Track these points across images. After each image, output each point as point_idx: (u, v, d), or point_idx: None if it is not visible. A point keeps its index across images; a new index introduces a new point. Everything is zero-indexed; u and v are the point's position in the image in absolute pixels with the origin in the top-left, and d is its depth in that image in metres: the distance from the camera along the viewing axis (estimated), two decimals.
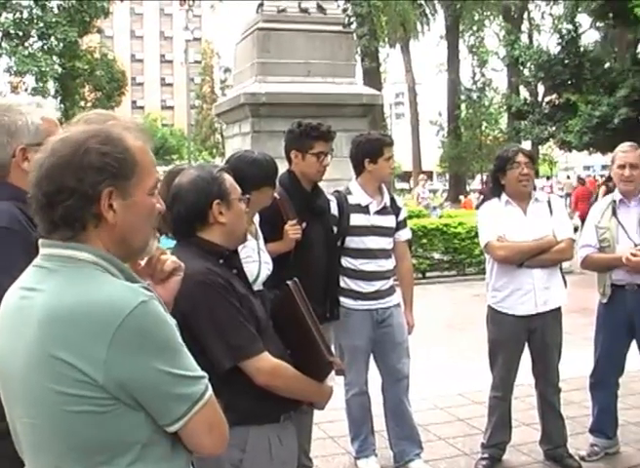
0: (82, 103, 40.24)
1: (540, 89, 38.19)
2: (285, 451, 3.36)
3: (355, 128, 11.02)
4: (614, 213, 6.10)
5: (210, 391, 2.18)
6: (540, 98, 37.84)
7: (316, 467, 5.83)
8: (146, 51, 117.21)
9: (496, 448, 6.20)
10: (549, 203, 6.12)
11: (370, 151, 5.83)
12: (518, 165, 5.93)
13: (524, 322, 5.94)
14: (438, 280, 16.69)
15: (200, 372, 2.18)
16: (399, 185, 60.70)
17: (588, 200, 24.15)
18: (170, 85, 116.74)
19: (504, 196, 6.04)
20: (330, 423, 6.78)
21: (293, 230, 5.13)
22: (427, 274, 16.74)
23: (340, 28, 14.54)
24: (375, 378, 6.14)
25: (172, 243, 3.41)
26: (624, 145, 6.20)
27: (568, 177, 63.55)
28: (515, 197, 6.01)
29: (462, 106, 49.76)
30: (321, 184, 5.67)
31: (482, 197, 27.74)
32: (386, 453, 6.17)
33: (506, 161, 5.98)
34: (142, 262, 2.42)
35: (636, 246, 5.88)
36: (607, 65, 30.34)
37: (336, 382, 3.53)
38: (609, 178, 20.20)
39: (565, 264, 6.57)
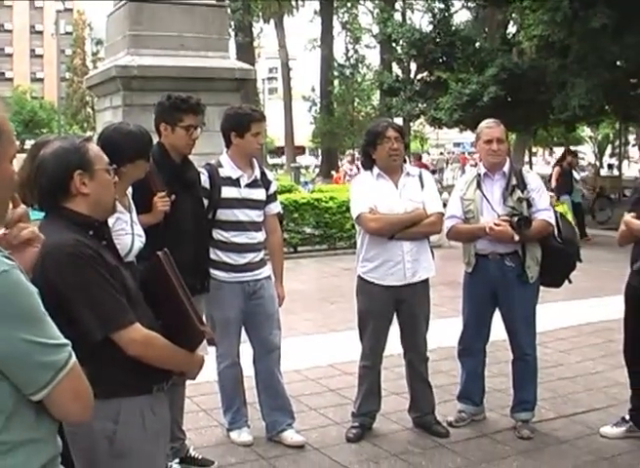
0: None
1: (412, 66, 38.59)
2: (158, 422, 3.36)
3: (228, 102, 10.96)
4: (478, 185, 6.28)
5: (74, 358, 2.18)
6: (411, 76, 38.24)
7: (189, 440, 5.83)
8: (15, 21, 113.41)
9: (366, 417, 6.33)
10: (420, 177, 6.24)
11: (237, 125, 5.84)
12: (388, 140, 6.03)
13: (393, 292, 6.07)
14: (309, 254, 16.76)
15: (63, 340, 2.18)
16: (272, 161, 60.69)
17: None
18: (40, 57, 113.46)
19: (376, 169, 6.13)
20: (202, 396, 6.80)
21: (161, 202, 5.11)
22: (299, 248, 16.76)
23: (213, 2, 14.45)
24: (247, 350, 6.18)
25: (40, 215, 3.35)
26: (489, 121, 6.38)
27: (441, 154, 64.86)
28: (386, 171, 6.12)
29: (335, 82, 50.05)
30: (193, 158, 5.65)
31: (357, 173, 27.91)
32: (259, 424, 6.23)
33: (377, 136, 6.07)
34: (0, 231, 2.38)
35: (499, 217, 6.08)
36: (477, 45, 30.78)
37: (207, 352, 3.54)
38: (562, 158, 20.44)
39: (434, 238, 6.72)
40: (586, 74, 22.79)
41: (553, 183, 18.85)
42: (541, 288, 6.38)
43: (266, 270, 6.07)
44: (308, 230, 16.92)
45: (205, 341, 3.42)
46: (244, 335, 6.10)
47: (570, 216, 6.46)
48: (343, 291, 10.61)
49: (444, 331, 8.11)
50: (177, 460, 5.49)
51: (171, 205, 5.16)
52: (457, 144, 74.00)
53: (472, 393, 6.58)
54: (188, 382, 5.13)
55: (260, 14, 48.47)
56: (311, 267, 15.46)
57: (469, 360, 6.57)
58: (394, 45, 36.31)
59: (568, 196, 18.35)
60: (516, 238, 6.02)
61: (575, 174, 20.00)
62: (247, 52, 41.72)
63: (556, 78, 24.65)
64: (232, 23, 37.78)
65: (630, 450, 6.00)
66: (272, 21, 51.56)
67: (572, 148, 25.72)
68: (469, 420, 6.54)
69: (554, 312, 10.37)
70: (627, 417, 6.27)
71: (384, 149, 6.04)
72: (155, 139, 5.20)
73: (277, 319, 6.09)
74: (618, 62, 24.36)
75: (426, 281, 6.22)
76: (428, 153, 63.67)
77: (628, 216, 5.94)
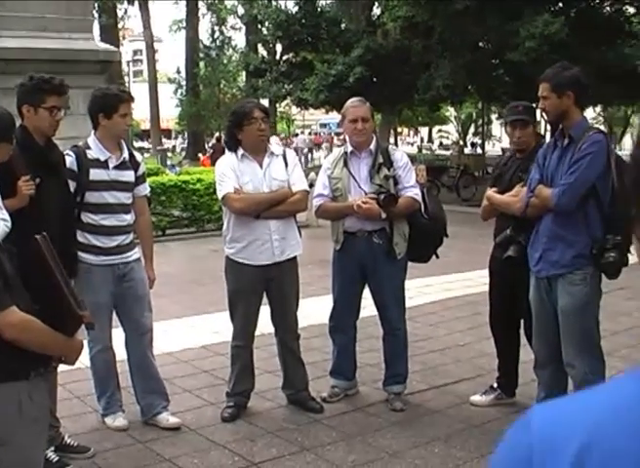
0: None
1: (278, 47, 38.70)
2: (36, 408, 3.31)
3: (92, 85, 10.68)
4: (345, 164, 6.35)
5: None
6: (277, 57, 38.34)
7: (64, 428, 5.76)
8: None
9: (240, 396, 6.35)
10: (284, 156, 6.27)
11: (105, 106, 5.75)
12: (255, 120, 6.04)
13: (262, 271, 6.10)
14: (178, 237, 16.67)
15: None
16: (138, 144, 59.88)
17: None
18: None
19: (240, 150, 6.14)
20: (75, 383, 6.70)
21: (26, 186, 5.01)
22: (167, 231, 16.63)
23: None
24: (119, 334, 6.13)
25: None
26: (354, 100, 6.45)
27: (310, 134, 65.20)
28: (252, 151, 6.12)
29: (201, 64, 49.74)
30: (57, 142, 5.55)
31: (212, 152, 27.74)
32: (134, 408, 6.20)
33: (243, 116, 6.07)
34: None
35: (366, 194, 6.17)
36: (343, 26, 31.00)
37: (86, 337, 3.51)
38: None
39: (302, 218, 6.78)
40: (450, 55, 23.27)
41: None
42: (410, 263, 6.52)
43: (136, 252, 6.02)
44: (176, 213, 16.79)
45: (84, 326, 3.39)
46: (115, 319, 6.05)
47: None
48: (213, 272, 10.59)
49: (314, 308, 8.21)
50: (52, 448, 5.39)
51: (36, 188, 5.06)
52: (323, 125, 74.26)
53: (344, 368, 6.69)
54: (60, 369, 5.05)
55: None
56: (180, 250, 15.40)
57: (340, 336, 6.66)
58: (260, 26, 36.36)
59: None
60: (383, 215, 6.13)
61: None
62: (111, 33, 41.06)
63: (420, 59, 25.10)
64: (96, 5, 37.02)
65: (499, 417, 6.21)
66: (137, 3, 50.73)
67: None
68: (343, 395, 6.65)
69: (423, 287, 10.62)
70: (495, 386, 6.51)
71: (252, 130, 6.04)
72: (18, 122, 5.09)
73: (148, 301, 6.06)
74: (480, 44, 24.94)
75: (295, 259, 6.28)
76: (297, 135, 63.92)
77: (490, 192, 6.13)
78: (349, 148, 6.40)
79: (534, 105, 6.24)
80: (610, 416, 1.00)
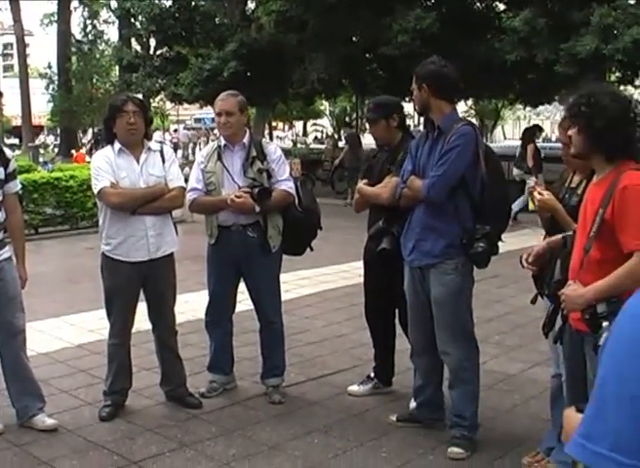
0: None
1: (152, 42, 38.25)
2: None
3: None
4: (219, 157, 6.35)
5: None
6: (151, 52, 37.90)
7: None
8: None
9: (118, 395, 6.29)
10: (162, 152, 6.24)
11: None
12: (126, 114, 5.99)
13: (138, 268, 6.05)
14: (51, 235, 16.37)
15: None
16: (9, 141, 58.48)
17: None
18: None
19: (117, 144, 6.08)
20: None
21: None
22: (40, 229, 16.31)
23: None
24: None
25: None
26: (223, 94, 6.45)
27: (187, 129, 64.89)
28: (127, 145, 6.08)
29: (74, 59, 48.85)
30: None
31: (91, 146, 27.73)
32: (9, 411, 6.05)
33: (116, 110, 6.03)
34: None
35: (240, 188, 6.19)
36: (217, 20, 30.88)
37: None
38: (533, 134, 18.50)
39: (177, 213, 6.74)
40: (324, 49, 23.40)
41: (530, 162, 17.26)
42: (285, 256, 6.55)
43: (7, 251, 5.87)
44: (49, 211, 16.45)
45: None
46: None
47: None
48: (88, 270, 10.45)
49: (191, 304, 8.17)
50: None
51: None
52: (197, 120, 73.72)
53: (222, 363, 6.71)
54: None
55: None
56: (54, 248, 15.12)
57: (217, 331, 6.67)
58: (133, 20, 35.87)
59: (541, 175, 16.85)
60: (257, 209, 6.15)
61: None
62: None
63: (295, 53, 25.17)
64: None
65: (377, 406, 6.35)
66: None
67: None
68: (221, 390, 6.65)
69: (298, 280, 10.70)
70: (372, 375, 6.63)
71: (122, 123, 6.00)
72: None
73: (20, 301, 5.92)
74: (354, 38, 25.18)
75: (171, 255, 6.25)
76: (176, 130, 63.49)
77: (361, 184, 6.22)
78: (223, 142, 6.40)
79: (404, 99, 6.34)
80: None
